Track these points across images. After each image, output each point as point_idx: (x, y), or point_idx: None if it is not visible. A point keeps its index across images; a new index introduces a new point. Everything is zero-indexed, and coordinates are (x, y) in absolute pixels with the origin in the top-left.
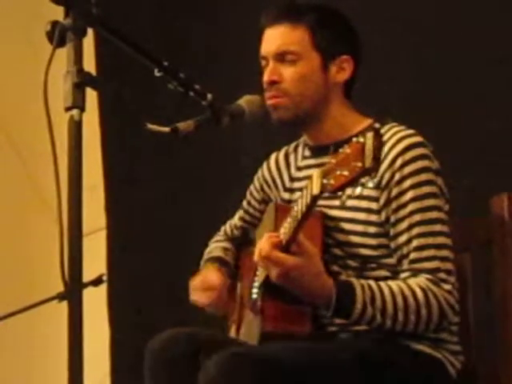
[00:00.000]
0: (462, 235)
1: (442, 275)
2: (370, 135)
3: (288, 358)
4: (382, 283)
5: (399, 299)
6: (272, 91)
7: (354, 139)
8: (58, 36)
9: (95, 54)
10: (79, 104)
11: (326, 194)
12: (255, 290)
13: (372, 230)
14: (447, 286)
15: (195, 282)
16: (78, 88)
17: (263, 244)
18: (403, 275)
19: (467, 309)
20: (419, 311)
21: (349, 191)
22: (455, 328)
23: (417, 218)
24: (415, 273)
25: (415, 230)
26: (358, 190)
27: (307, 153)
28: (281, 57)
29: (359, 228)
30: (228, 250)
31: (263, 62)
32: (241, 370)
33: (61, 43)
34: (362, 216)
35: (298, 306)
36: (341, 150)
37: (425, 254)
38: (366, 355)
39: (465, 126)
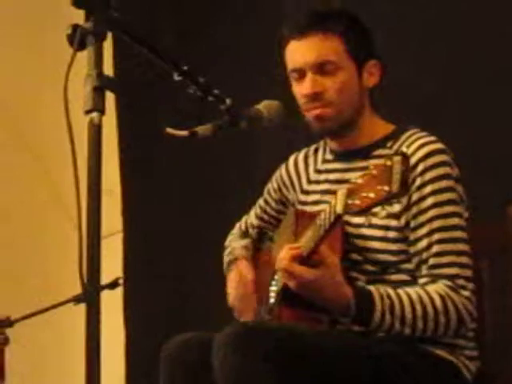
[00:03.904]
0: (479, 241)
1: (462, 282)
2: (397, 159)
3: (305, 332)
4: (400, 291)
5: (418, 307)
6: (316, 102)
7: (381, 161)
8: (78, 39)
9: (113, 57)
10: (99, 107)
11: None
12: (273, 295)
13: (392, 234)
14: (466, 293)
15: (233, 276)
16: (98, 91)
17: (283, 255)
18: (422, 280)
19: (484, 314)
20: (437, 318)
21: (374, 213)
22: (472, 334)
23: (437, 223)
24: (434, 278)
25: (435, 236)
26: (383, 214)
27: (329, 156)
28: (319, 68)
29: (379, 233)
30: (248, 248)
31: (295, 75)
32: (254, 333)
33: (81, 46)
34: (381, 221)
35: (315, 314)
36: (367, 171)
37: (445, 260)
38: (381, 357)
39: (481, 132)
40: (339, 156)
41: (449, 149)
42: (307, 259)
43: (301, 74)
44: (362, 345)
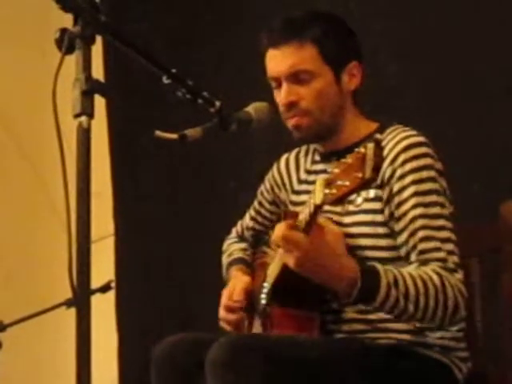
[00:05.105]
0: (471, 241)
1: (452, 265)
2: (370, 146)
3: (297, 348)
4: (400, 268)
5: (419, 283)
6: (292, 112)
7: (356, 149)
8: (66, 43)
9: (103, 60)
10: (88, 111)
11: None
12: (264, 296)
13: (380, 230)
14: (458, 275)
15: (224, 301)
16: (87, 95)
17: (280, 226)
18: (412, 266)
19: (475, 314)
20: (437, 296)
21: (350, 201)
22: (461, 334)
23: (419, 211)
24: (424, 262)
25: (418, 223)
26: (359, 201)
27: (317, 157)
28: (294, 77)
29: (367, 230)
30: (246, 250)
31: (273, 84)
32: (248, 350)
33: (69, 50)
34: (368, 218)
35: (306, 312)
36: (343, 160)
37: (432, 244)
38: (372, 359)
39: (473, 132)
40: (325, 157)
41: (439, 147)
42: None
43: (277, 82)
44: (353, 352)
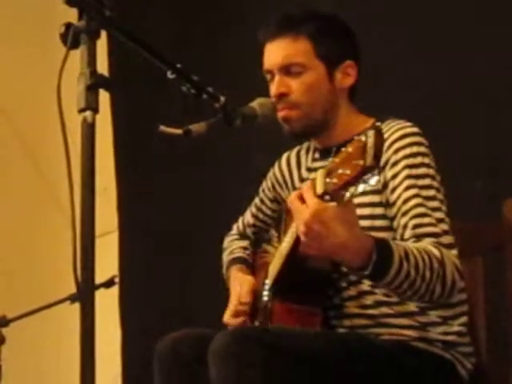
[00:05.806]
0: (474, 239)
1: (446, 241)
2: (371, 133)
3: (300, 338)
4: (404, 242)
5: (425, 256)
6: (282, 104)
7: (356, 137)
8: (71, 38)
9: (108, 55)
10: (92, 106)
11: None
12: (265, 293)
13: (378, 223)
14: (454, 252)
15: (232, 306)
16: (92, 90)
17: (298, 190)
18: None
19: (479, 311)
20: (438, 271)
21: (352, 189)
22: (465, 329)
23: (411, 192)
24: (419, 236)
25: (412, 202)
26: (361, 188)
27: (317, 155)
28: (286, 69)
29: (366, 223)
30: (246, 249)
31: (268, 76)
32: (250, 340)
33: (74, 45)
34: (366, 211)
35: (308, 307)
36: (343, 149)
37: (426, 220)
38: (375, 355)
39: (478, 130)
40: (323, 154)
41: (441, 145)
42: None
43: (271, 75)
44: (355, 345)
